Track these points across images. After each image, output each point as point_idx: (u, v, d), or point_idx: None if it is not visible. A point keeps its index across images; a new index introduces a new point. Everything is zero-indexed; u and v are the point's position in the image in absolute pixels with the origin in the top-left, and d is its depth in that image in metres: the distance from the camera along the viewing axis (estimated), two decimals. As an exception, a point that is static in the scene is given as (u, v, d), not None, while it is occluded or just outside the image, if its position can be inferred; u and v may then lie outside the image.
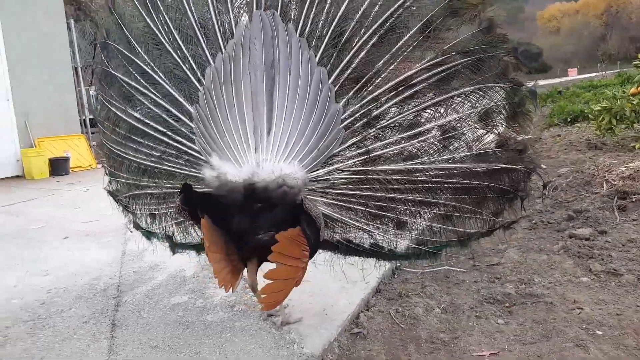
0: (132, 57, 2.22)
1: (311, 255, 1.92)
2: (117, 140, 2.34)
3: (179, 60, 2.11)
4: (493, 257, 3.23)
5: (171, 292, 2.83)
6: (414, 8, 1.89)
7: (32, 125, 8.63)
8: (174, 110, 2.11)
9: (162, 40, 2.14)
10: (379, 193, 1.97)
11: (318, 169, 1.88)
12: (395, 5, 1.87)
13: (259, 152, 1.81)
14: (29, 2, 8.74)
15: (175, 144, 2.11)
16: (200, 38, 2.08)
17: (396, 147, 1.93)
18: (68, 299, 2.78)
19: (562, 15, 76.87)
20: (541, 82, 27.43)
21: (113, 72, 2.29)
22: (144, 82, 2.18)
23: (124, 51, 2.24)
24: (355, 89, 1.92)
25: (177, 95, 2.10)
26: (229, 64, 1.96)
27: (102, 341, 2.28)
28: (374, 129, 1.93)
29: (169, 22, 2.14)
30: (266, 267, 1.79)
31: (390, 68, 1.91)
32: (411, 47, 1.90)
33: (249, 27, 1.98)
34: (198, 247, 2.44)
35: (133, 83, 2.21)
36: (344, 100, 1.91)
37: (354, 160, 1.93)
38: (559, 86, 16.49)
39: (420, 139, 1.93)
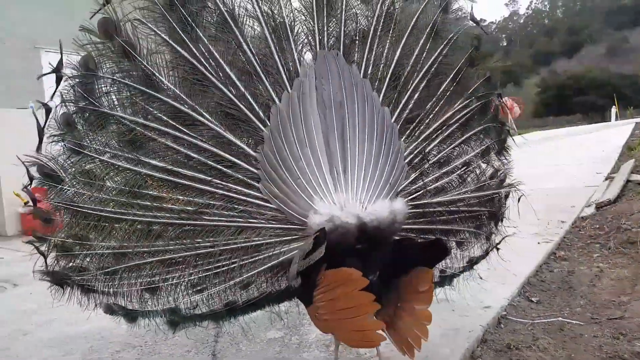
0: (154, 93, 1.86)
1: None
2: (104, 199, 1.91)
3: (234, 99, 1.90)
4: (615, 310, 2.89)
5: (267, 326, 2.84)
6: (450, 54, 2.19)
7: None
8: (226, 155, 1.87)
9: (208, 75, 1.89)
10: (425, 225, 2.07)
11: None
12: (437, 52, 2.14)
13: (345, 191, 1.81)
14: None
15: (227, 193, 1.86)
16: (262, 75, 1.95)
17: (440, 181, 2.12)
18: (171, 327, 2.88)
19: (675, 45, 70.46)
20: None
21: (110, 112, 1.86)
22: (174, 123, 1.86)
23: (137, 86, 1.86)
24: (411, 128, 2.08)
25: (231, 137, 1.88)
26: (298, 103, 1.92)
27: (203, 372, 2.32)
28: (428, 164, 2.08)
29: (215, 54, 1.90)
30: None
31: (436, 109, 2.13)
32: (448, 92, 2.16)
33: (315, 67, 2.00)
34: (221, 315, 2.07)
35: (154, 124, 1.86)
36: (402, 139, 2.06)
37: (414, 194, 2.02)
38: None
39: (454, 173, 2.17)
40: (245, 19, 1.97)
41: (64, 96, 1.89)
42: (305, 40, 2.08)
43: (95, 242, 1.95)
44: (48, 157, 1.93)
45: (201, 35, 1.89)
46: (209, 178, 1.86)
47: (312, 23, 2.08)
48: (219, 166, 1.87)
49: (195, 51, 1.88)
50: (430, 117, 2.11)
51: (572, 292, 3.26)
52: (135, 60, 1.86)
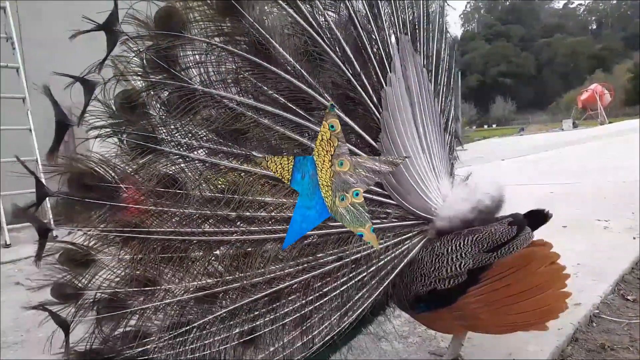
0: (270, 67, 1.49)
1: None
2: (198, 216, 1.44)
3: (352, 78, 1.66)
4: None
5: (344, 315, 2.85)
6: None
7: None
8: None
9: (327, 48, 1.60)
10: None
11: None
12: (448, 50, 2.20)
13: (442, 178, 1.88)
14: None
15: None
16: (370, 54, 1.76)
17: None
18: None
19: None
20: None
21: (207, 90, 1.43)
22: (293, 106, 1.54)
23: (248, 56, 1.46)
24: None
25: (353, 124, 1.67)
26: (398, 87, 1.84)
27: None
28: (452, 151, 2.15)
29: (332, 25, 1.63)
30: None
31: (450, 102, 2.18)
32: (453, 87, 2.24)
33: (399, 51, 1.90)
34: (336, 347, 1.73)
35: (270, 108, 1.50)
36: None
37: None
38: None
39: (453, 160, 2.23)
40: None
41: (121, 67, 1.35)
42: (388, 21, 1.95)
43: (173, 285, 1.43)
44: (94, 160, 1.35)
45: None
46: None
47: (387, 5, 1.99)
48: None
49: (311, 19, 1.56)
50: (449, 108, 2.19)
51: (675, 292, 2.98)
52: (242, 21, 1.42)
